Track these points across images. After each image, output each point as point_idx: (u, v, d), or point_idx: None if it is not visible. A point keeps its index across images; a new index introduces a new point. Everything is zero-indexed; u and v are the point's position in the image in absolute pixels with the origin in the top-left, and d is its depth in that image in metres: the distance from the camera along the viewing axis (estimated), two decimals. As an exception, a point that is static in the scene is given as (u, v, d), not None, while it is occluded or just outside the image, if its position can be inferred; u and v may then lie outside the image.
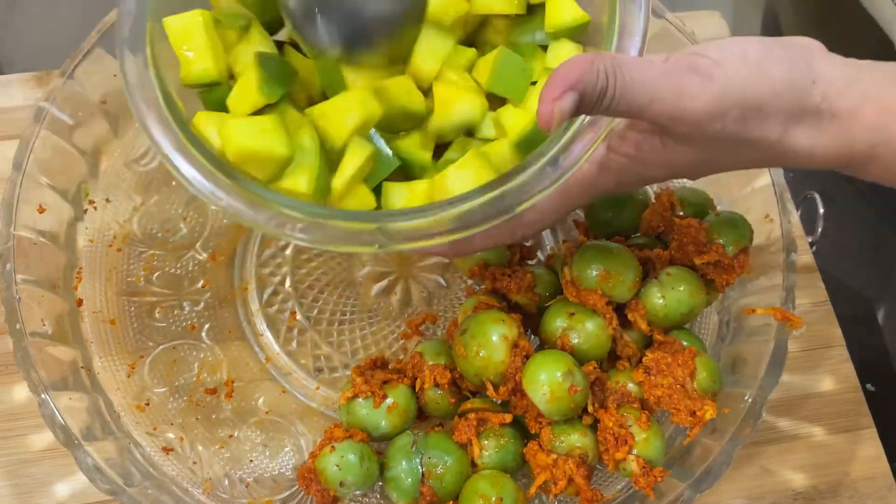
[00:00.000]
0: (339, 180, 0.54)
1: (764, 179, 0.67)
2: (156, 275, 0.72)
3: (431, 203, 0.51)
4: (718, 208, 0.69)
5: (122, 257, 0.72)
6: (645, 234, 0.68)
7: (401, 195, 0.56)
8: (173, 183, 0.75)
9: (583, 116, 0.50)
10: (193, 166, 0.51)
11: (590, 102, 0.44)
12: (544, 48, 0.59)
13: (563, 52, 0.57)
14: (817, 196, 0.73)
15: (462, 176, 0.53)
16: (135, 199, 0.73)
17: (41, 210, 0.67)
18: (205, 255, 0.73)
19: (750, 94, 0.45)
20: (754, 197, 0.68)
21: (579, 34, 0.58)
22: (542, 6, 0.58)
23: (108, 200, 0.73)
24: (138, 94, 0.52)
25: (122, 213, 0.73)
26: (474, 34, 0.61)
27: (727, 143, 0.47)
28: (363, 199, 0.55)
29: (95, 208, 0.72)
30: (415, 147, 0.58)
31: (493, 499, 0.57)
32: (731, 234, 0.62)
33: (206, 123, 0.54)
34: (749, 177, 0.69)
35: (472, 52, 0.59)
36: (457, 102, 0.57)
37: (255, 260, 0.73)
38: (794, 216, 0.66)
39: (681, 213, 0.67)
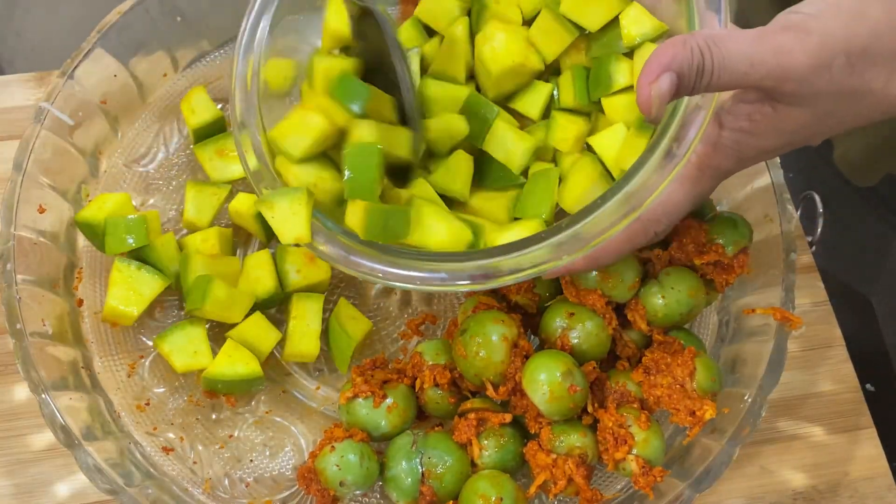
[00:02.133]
0: None
1: (764, 179, 0.67)
2: (156, 275, 0.72)
3: (550, 228, 0.52)
4: (718, 208, 0.69)
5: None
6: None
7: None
8: (172, 184, 0.75)
9: (686, 101, 0.50)
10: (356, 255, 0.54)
11: (689, 81, 0.44)
12: (629, 55, 0.59)
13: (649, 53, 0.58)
14: (817, 196, 0.73)
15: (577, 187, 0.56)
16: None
17: (41, 210, 0.67)
18: (205, 255, 0.73)
19: (852, 40, 0.44)
20: (754, 197, 0.68)
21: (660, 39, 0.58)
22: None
23: (108, 200, 0.73)
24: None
25: (122, 213, 0.73)
26: (554, 61, 0.62)
27: (838, 96, 0.46)
28: None
29: (95, 208, 0.72)
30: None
31: (493, 499, 0.57)
32: (730, 234, 0.62)
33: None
34: (749, 177, 0.69)
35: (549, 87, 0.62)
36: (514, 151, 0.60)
37: (255, 260, 0.73)
38: (794, 216, 0.66)
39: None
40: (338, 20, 0.59)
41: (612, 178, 0.58)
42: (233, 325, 0.66)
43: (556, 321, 0.61)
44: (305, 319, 0.67)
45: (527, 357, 0.59)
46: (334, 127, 0.56)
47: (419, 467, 0.59)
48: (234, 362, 0.65)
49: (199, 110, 0.71)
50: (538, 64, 0.61)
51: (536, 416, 0.59)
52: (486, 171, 0.62)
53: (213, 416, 0.67)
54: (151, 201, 0.74)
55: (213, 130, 0.72)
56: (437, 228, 0.55)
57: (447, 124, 0.61)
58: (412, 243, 0.55)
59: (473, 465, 0.61)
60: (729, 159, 0.51)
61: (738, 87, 0.46)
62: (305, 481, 0.59)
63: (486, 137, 0.60)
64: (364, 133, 0.55)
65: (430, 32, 0.65)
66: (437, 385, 0.62)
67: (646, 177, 0.50)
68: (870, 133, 0.79)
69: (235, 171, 0.72)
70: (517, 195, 0.61)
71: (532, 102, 0.62)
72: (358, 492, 0.61)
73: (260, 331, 0.66)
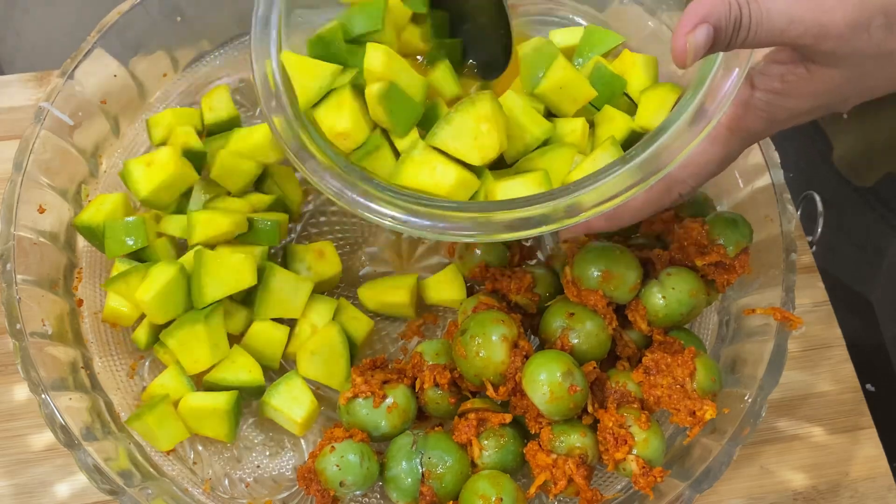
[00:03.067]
0: None
1: (764, 179, 0.67)
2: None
3: (584, 178, 0.50)
4: (718, 208, 0.69)
5: (123, 257, 0.72)
6: (645, 234, 0.68)
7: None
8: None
9: (719, 59, 0.49)
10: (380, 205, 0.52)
11: (725, 35, 0.43)
12: None
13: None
14: (817, 196, 0.73)
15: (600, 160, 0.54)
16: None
17: (41, 210, 0.67)
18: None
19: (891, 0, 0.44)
20: (754, 197, 0.68)
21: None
22: None
23: (108, 200, 0.73)
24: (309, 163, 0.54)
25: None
26: None
27: (874, 57, 0.45)
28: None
29: (95, 208, 0.72)
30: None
31: (493, 499, 0.57)
32: (731, 234, 0.62)
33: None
34: (749, 177, 0.69)
35: None
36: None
37: (255, 260, 0.73)
38: (794, 216, 0.66)
39: (681, 213, 0.67)
40: None
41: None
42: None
43: (557, 321, 0.61)
44: (312, 320, 0.67)
45: (527, 357, 0.59)
46: None
47: (419, 467, 0.59)
48: (238, 368, 0.65)
49: (218, 108, 0.72)
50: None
51: (536, 416, 0.59)
52: None
53: (213, 417, 0.67)
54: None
55: (225, 128, 0.72)
56: (444, 172, 0.53)
57: None
58: (417, 186, 0.54)
59: (473, 465, 0.61)
60: (760, 121, 0.50)
61: (774, 44, 0.45)
62: (305, 481, 0.59)
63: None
64: None
65: None
66: (437, 385, 0.62)
67: (675, 135, 0.49)
68: (869, 133, 0.79)
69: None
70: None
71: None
72: (358, 492, 0.61)
73: (267, 336, 0.66)
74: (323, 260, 0.69)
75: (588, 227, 0.56)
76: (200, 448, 0.66)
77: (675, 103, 0.56)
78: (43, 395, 0.60)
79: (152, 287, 0.62)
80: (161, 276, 0.63)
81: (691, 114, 0.49)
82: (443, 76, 0.60)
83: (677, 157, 0.49)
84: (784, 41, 0.45)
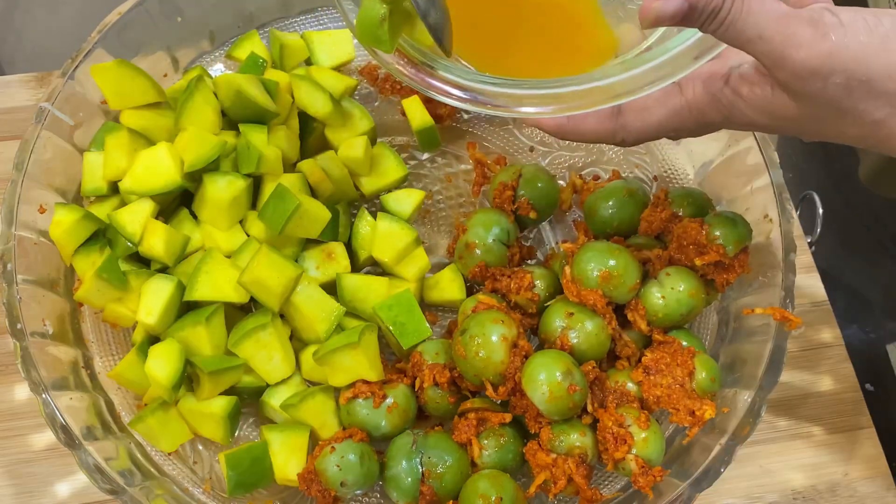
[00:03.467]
0: None
1: (763, 179, 0.68)
2: (156, 275, 0.72)
3: (557, 79, 0.51)
4: (718, 208, 0.69)
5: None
6: (644, 234, 0.68)
7: None
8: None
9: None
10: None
11: (698, 17, 0.44)
12: None
13: None
14: (816, 196, 0.73)
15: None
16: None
17: (42, 210, 0.67)
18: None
19: (862, 66, 0.44)
20: (754, 197, 0.68)
21: None
22: None
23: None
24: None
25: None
26: None
27: (828, 108, 0.46)
28: None
29: (96, 208, 0.72)
30: None
31: (493, 498, 0.57)
32: (730, 234, 0.62)
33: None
34: (749, 177, 0.69)
35: None
36: None
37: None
38: (794, 216, 0.66)
39: (680, 213, 0.67)
40: None
41: None
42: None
43: (556, 321, 0.61)
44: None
45: (526, 357, 0.59)
46: None
47: (419, 467, 0.59)
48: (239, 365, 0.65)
49: None
50: None
51: (536, 415, 0.59)
52: None
53: (214, 416, 0.67)
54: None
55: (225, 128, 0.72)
56: None
57: None
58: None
59: (473, 464, 0.61)
60: (718, 114, 0.52)
61: (740, 48, 0.46)
62: (306, 482, 0.59)
63: None
64: None
65: None
66: (436, 384, 0.62)
67: (634, 75, 0.49)
68: None
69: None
70: None
71: None
72: (358, 492, 0.62)
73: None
74: (331, 261, 0.69)
75: (536, 123, 0.57)
76: (201, 448, 0.66)
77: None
78: (44, 395, 0.60)
79: (154, 309, 0.63)
80: (161, 292, 0.64)
81: (656, 66, 0.49)
82: None
83: (626, 97, 0.49)
84: (749, 51, 0.46)
